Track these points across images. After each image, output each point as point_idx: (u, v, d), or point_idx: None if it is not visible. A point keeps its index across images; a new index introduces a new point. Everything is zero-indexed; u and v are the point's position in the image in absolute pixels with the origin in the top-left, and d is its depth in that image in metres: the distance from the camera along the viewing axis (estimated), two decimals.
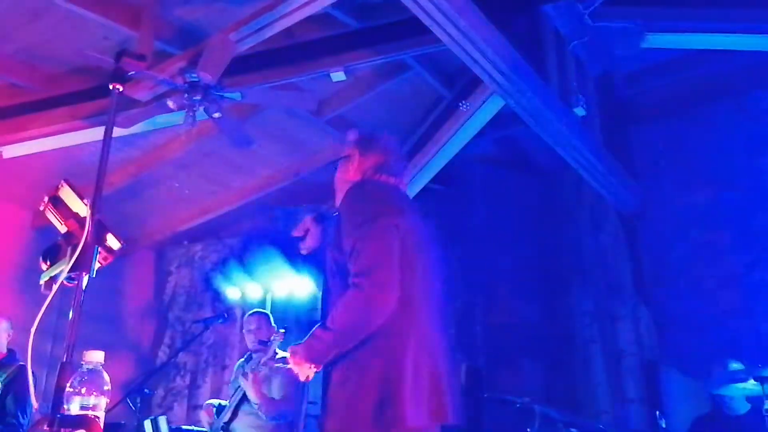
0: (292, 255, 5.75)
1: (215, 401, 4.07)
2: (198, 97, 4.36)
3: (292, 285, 5.45)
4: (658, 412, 4.00)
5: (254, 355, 4.00)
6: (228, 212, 6.49)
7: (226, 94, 4.44)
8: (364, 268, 1.86)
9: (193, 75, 4.30)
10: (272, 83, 4.83)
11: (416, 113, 5.51)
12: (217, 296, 6.31)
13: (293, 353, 1.98)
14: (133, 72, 2.10)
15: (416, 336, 1.90)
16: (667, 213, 4.97)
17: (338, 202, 2.17)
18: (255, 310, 4.29)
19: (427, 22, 3.80)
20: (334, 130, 5.44)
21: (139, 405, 4.25)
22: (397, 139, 2.31)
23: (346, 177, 2.20)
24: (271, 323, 4.17)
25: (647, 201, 5.08)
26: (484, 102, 4.89)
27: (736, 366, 3.71)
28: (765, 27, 4.15)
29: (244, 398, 3.78)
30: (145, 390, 4.41)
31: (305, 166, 5.97)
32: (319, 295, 2.16)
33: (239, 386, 3.84)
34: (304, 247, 2.32)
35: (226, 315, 4.29)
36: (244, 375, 3.70)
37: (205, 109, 4.45)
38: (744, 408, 3.88)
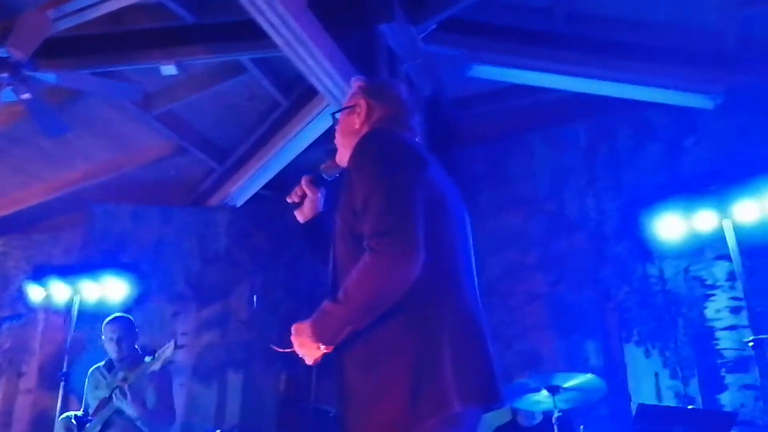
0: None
1: (70, 413, 3.65)
2: (5, 75, 3.97)
3: (103, 288, 5.05)
4: None
5: (118, 364, 3.69)
6: (37, 206, 5.92)
7: (39, 75, 4.07)
8: (382, 227, 1.52)
9: (2, 50, 3.91)
10: (94, 69, 4.52)
11: (251, 117, 5.43)
12: (18, 296, 5.70)
13: (298, 332, 1.63)
14: None
15: (452, 305, 1.58)
16: (484, 232, 5.30)
17: (341, 159, 1.88)
18: (116, 315, 3.91)
19: (263, 24, 3.77)
20: (163, 126, 5.19)
21: None
22: (407, 89, 1.99)
23: (351, 129, 1.86)
24: (135, 329, 3.85)
25: None
26: (319, 112, 4.93)
27: (531, 377, 3.92)
28: (571, 69, 4.66)
29: (118, 411, 3.50)
30: None
31: (129, 162, 5.63)
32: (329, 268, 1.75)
33: (106, 397, 3.53)
34: (301, 215, 1.99)
35: (20, 315, 3.86)
36: (122, 393, 3.42)
37: (13, 89, 4.06)
38: (537, 418, 4.18)
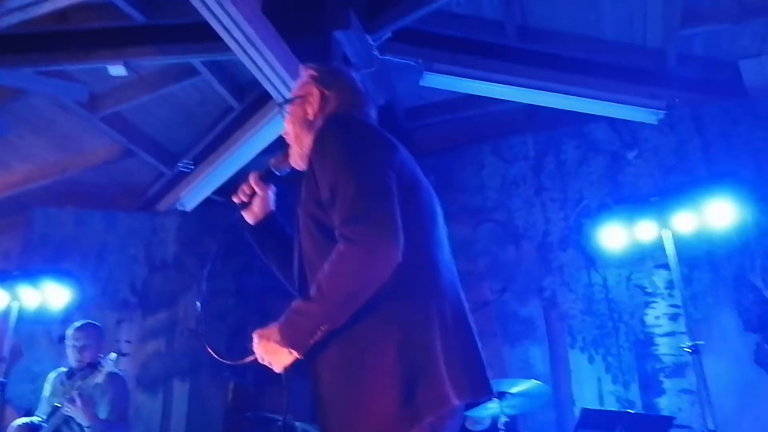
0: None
1: (26, 419, 3.51)
2: None
3: (44, 295, 4.86)
4: None
5: (78, 372, 3.60)
6: None
7: None
8: (355, 213, 1.39)
9: None
10: (39, 68, 4.38)
11: (203, 121, 5.36)
12: None
13: (262, 338, 1.48)
14: None
15: (436, 293, 1.47)
16: None
17: (295, 155, 1.75)
18: (85, 321, 3.81)
19: (216, 26, 3.73)
20: (109, 128, 5.06)
21: None
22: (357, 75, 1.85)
23: (303, 120, 1.73)
24: (102, 337, 3.77)
25: None
26: (272, 118, 4.91)
27: None
28: (521, 82, 4.78)
29: (67, 421, 3.40)
30: None
31: (73, 165, 5.46)
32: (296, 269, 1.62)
33: (58, 405, 3.42)
34: (251, 215, 1.83)
35: None
36: (71, 401, 3.31)
37: None
38: (485, 423, 4.23)
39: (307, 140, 1.68)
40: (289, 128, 1.78)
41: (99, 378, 3.41)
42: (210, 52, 4.40)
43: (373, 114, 1.79)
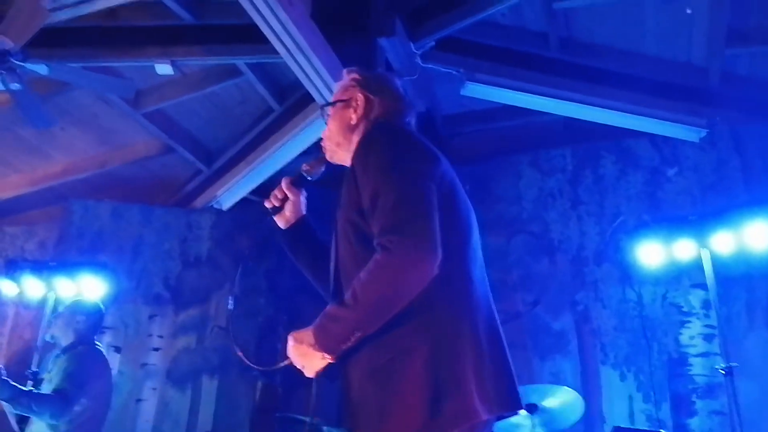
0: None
1: None
2: None
3: (79, 286, 4.91)
4: None
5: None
6: (13, 198, 5.76)
7: (30, 66, 3.98)
8: (394, 223, 1.40)
9: None
10: (87, 63, 4.45)
11: (243, 121, 5.40)
12: None
13: (297, 341, 1.49)
14: None
15: (469, 306, 1.48)
16: None
17: (332, 155, 1.78)
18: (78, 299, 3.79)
19: (265, 30, 3.76)
20: (151, 124, 5.12)
21: None
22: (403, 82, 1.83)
23: (346, 125, 1.72)
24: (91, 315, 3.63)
25: None
26: (312, 121, 4.94)
27: None
28: (562, 94, 4.77)
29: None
30: None
31: (112, 158, 5.53)
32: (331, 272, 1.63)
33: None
34: (283, 220, 1.84)
35: None
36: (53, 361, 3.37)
37: (1, 79, 3.96)
38: None
39: (350, 144, 1.70)
40: (329, 131, 1.79)
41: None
42: (256, 54, 4.45)
43: (413, 121, 1.79)
